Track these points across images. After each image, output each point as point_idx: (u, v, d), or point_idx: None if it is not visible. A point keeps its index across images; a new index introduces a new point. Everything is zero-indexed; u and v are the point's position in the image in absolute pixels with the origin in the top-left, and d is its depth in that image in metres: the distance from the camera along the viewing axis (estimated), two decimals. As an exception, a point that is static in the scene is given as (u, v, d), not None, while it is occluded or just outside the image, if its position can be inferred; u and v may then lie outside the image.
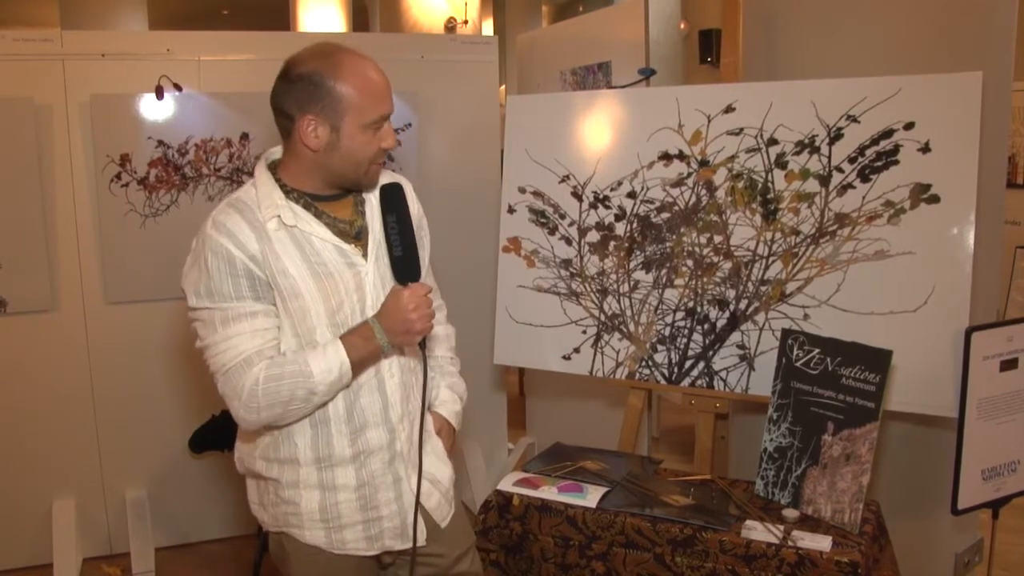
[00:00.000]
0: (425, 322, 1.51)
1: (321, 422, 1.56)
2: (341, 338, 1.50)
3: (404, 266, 1.54)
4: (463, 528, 1.78)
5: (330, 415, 1.56)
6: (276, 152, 1.61)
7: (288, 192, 1.55)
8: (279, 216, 1.51)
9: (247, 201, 1.53)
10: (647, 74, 2.89)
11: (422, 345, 1.57)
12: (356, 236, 1.58)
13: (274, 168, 1.58)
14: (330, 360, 1.48)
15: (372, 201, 1.62)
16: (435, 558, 1.69)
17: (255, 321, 1.49)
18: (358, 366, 1.52)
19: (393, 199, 1.57)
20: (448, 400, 1.81)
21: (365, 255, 1.57)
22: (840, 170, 2.12)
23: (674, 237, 2.33)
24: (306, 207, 1.55)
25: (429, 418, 1.76)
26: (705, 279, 2.29)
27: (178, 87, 2.93)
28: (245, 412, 1.49)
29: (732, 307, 2.25)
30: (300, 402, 1.49)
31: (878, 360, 1.86)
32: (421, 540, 1.63)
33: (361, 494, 1.59)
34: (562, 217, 2.47)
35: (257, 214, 1.51)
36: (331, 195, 1.58)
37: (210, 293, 1.48)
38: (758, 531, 1.87)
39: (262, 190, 1.53)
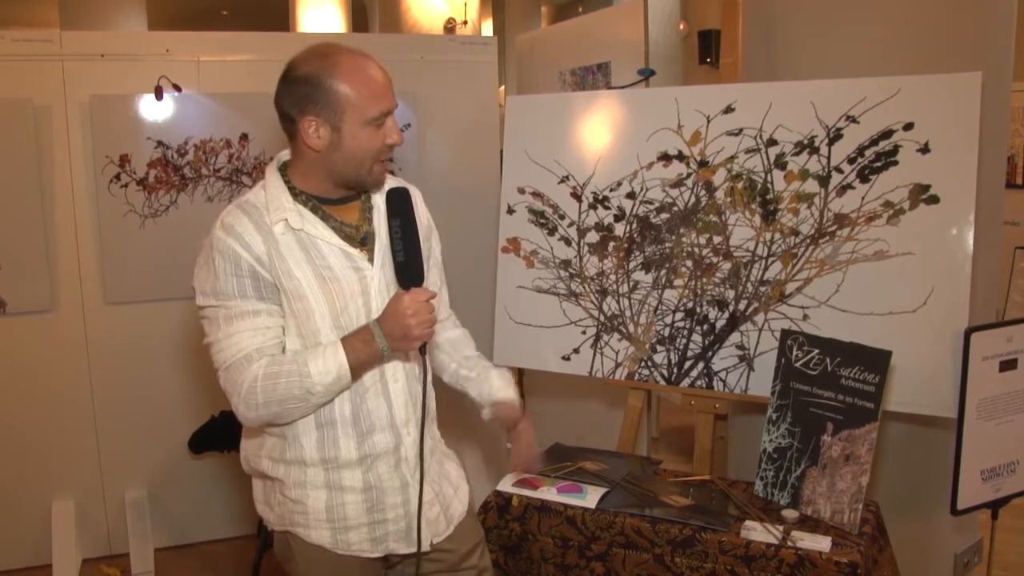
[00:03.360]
0: (424, 328, 1.49)
1: (327, 424, 1.57)
2: (342, 340, 1.50)
3: (406, 271, 1.53)
4: (471, 524, 1.79)
5: (336, 417, 1.56)
6: (287, 154, 1.62)
7: (297, 194, 1.56)
8: (286, 219, 1.52)
9: (255, 203, 1.55)
10: (646, 75, 2.89)
11: (423, 351, 1.56)
12: (362, 241, 1.58)
13: (284, 170, 1.59)
14: (328, 361, 1.48)
15: (379, 206, 1.63)
16: (444, 554, 1.70)
17: (257, 320, 1.50)
18: (358, 369, 1.51)
19: (399, 204, 1.56)
20: (504, 385, 1.77)
21: (371, 259, 1.58)
22: (839, 170, 2.12)
23: (673, 238, 2.33)
24: (313, 210, 1.56)
25: (435, 430, 1.76)
26: (704, 280, 2.29)
27: (177, 88, 2.93)
28: (244, 408, 1.50)
29: (731, 308, 2.25)
30: (296, 401, 1.49)
31: (877, 360, 1.86)
32: (425, 546, 1.64)
33: (368, 497, 1.59)
34: (561, 218, 2.47)
35: (264, 217, 1.53)
36: (339, 198, 1.58)
37: (216, 292, 1.51)
38: (757, 532, 1.87)
39: (271, 192, 1.55)
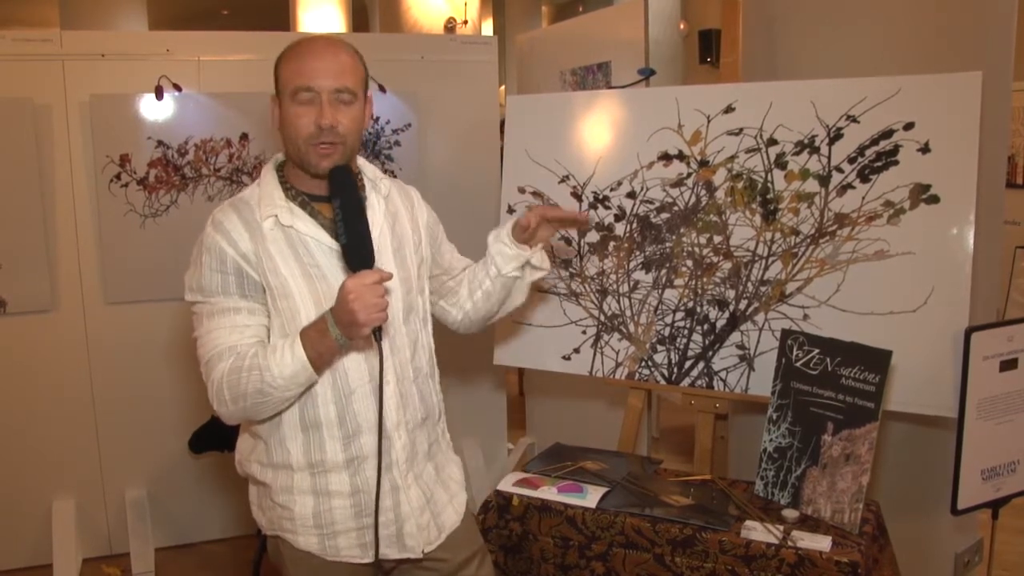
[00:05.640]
0: (370, 312, 1.39)
1: (312, 426, 1.55)
2: (301, 332, 1.47)
3: (350, 253, 1.46)
4: (467, 533, 1.76)
5: (321, 419, 1.55)
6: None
7: (288, 190, 1.56)
8: (276, 216, 1.52)
9: (248, 200, 1.56)
10: (647, 74, 2.89)
11: (376, 337, 1.47)
12: None
13: (281, 168, 1.60)
14: (286, 355, 1.45)
15: (374, 203, 1.62)
16: (437, 563, 1.68)
17: (237, 317, 1.51)
18: (317, 360, 1.47)
19: (340, 183, 1.49)
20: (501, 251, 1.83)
21: None
22: (840, 170, 2.12)
23: (674, 237, 2.33)
24: (303, 206, 1.55)
25: (437, 433, 1.74)
26: (705, 279, 2.29)
27: (178, 87, 2.93)
28: (217, 404, 1.51)
29: (732, 307, 2.25)
30: (259, 396, 1.46)
31: (878, 360, 1.86)
32: (417, 553, 1.63)
33: (356, 500, 1.58)
34: (562, 217, 2.46)
35: (255, 213, 1.53)
36: (328, 195, 1.58)
37: (201, 288, 1.52)
38: (758, 531, 1.87)
39: (264, 189, 1.56)
